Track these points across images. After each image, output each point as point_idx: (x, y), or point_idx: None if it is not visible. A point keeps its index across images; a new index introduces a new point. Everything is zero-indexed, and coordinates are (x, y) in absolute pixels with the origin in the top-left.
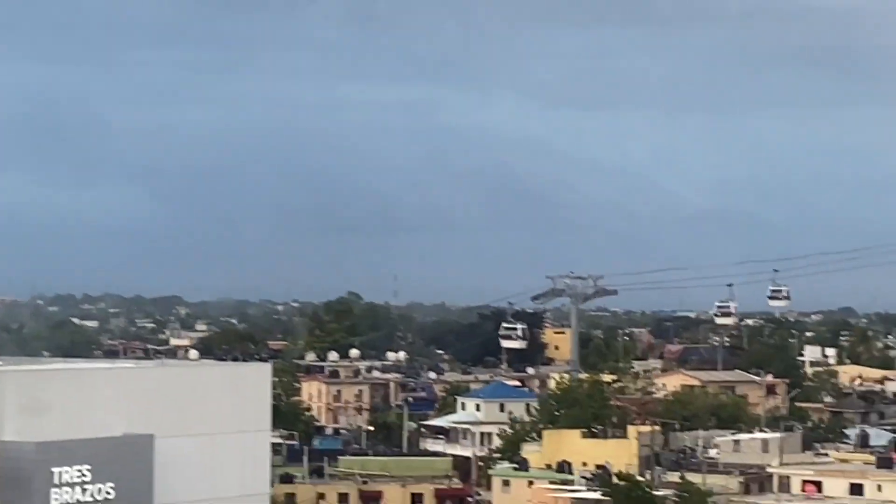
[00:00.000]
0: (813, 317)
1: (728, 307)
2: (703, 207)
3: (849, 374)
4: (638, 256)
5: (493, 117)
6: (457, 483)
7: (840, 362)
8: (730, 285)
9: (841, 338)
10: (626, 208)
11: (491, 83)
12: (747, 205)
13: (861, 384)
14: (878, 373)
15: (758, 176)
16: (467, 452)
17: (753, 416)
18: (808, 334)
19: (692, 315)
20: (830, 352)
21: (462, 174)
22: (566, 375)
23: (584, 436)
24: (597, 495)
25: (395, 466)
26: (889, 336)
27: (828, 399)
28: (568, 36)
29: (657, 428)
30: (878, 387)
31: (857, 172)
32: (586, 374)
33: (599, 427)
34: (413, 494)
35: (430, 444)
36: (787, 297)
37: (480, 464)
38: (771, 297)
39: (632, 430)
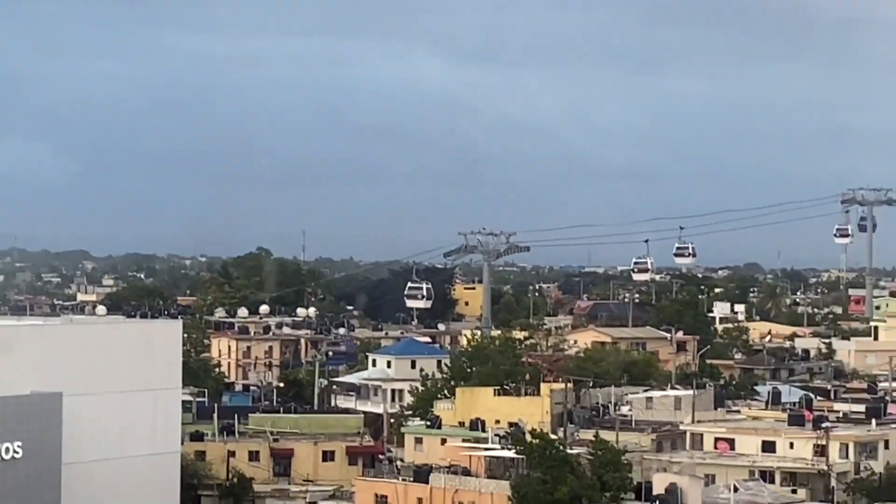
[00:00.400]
0: (720, 272)
1: (645, 263)
2: (614, 164)
3: (758, 330)
4: (548, 212)
5: (404, 72)
6: (368, 440)
7: (749, 319)
8: (646, 241)
9: (750, 294)
10: (536, 164)
11: (403, 38)
12: (657, 161)
13: (771, 341)
14: (787, 329)
15: (668, 132)
16: (378, 409)
17: (664, 372)
18: (717, 290)
19: (600, 271)
20: (739, 308)
21: (372, 129)
22: (478, 332)
23: (497, 393)
24: (510, 454)
25: (307, 424)
26: (797, 292)
27: (738, 356)
28: None
29: (570, 385)
30: (787, 343)
31: (767, 129)
32: (498, 331)
33: (512, 384)
34: (325, 452)
35: (342, 401)
36: (693, 255)
37: (392, 421)
38: (676, 255)
39: (544, 387)
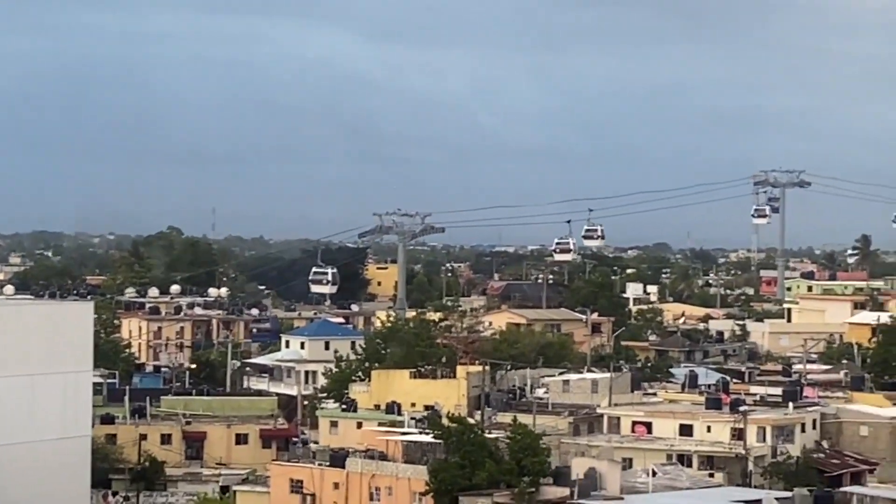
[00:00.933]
0: (629, 252)
1: (567, 244)
2: (524, 143)
3: (672, 312)
4: (458, 191)
5: (314, 50)
6: (282, 423)
7: (662, 300)
8: (568, 222)
9: (662, 275)
10: (446, 143)
11: (313, 16)
12: (567, 141)
13: (685, 322)
14: (701, 311)
15: (578, 112)
16: (292, 391)
17: (579, 354)
18: (629, 271)
19: (511, 250)
20: (652, 289)
21: (282, 107)
22: (392, 313)
23: (413, 376)
24: (428, 438)
25: (220, 406)
26: (709, 273)
27: (652, 338)
28: None
29: (486, 368)
30: (701, 325)
31: (677, 109)
32: (412, 312)
33: (428, 367)
34: (238, 435)
35: (254, 383)
36: (602, 237)
37: (305, 403)
38: (585, 237)
39: (461, 369)
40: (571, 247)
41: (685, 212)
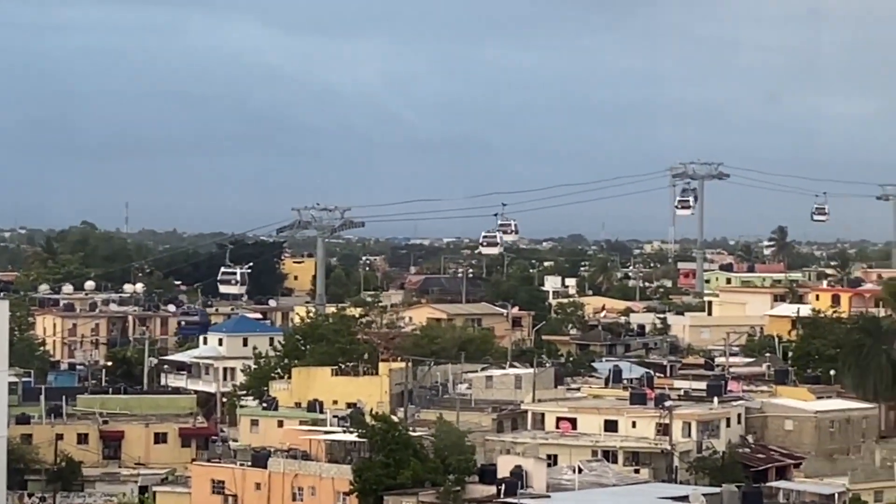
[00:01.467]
0: (544, 244)
1: (494, 237)
2: (438, 135)
3: (592, 305)
4: (374, 183)
5: (228, 42)
6: (202, 421)
7: (581, 293)
8: (496, 215)
9: (580, 268)
10: (361, 135)
11: (227, 8)
12: (483, 133)
13: (605, 316)
14: (621, 304)
15: (493, 104)
16: (210, 388)
17: (501, 349)
18: (547, 264)
19: (426, 243)
20: (570, 282)
21: (196, 99)
22: (311, 309)
23: (335, 373)
24: (352, 437)
25: (137, 404)
26: (627, 266)
27: (573, 331)
28: None
29: (409, 364)
30: (622, 319)
31: (586, 100)
32: (332, 308)
33: (350, 364)
34: (156, 434)
35: (172, 381)
36: (516, 231)
37: (224, 400)
38: (499, 231)
39: (383, 366)
40: (498, 240)
41: (599, 203)
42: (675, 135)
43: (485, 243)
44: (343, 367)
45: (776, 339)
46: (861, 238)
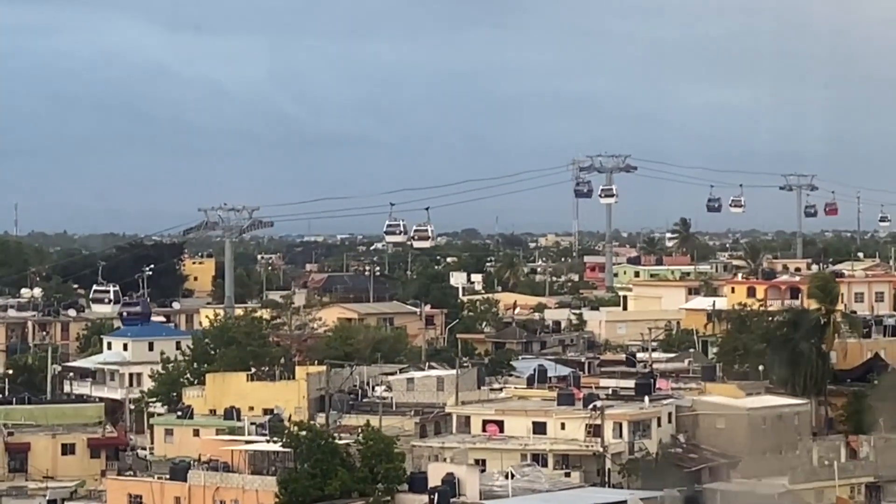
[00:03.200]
0: (439, 239)
1: (426, 230)
2: (330, 132)
3: (504, 301)
4: (265, 181)
5: (114, 41)
6: (111, 431)
7: (489, 289)
8: (427, 209)
9: (487, 263)
10: (252, 133)
11: (111, 7)
12: (373, 129)
13: (518, 312)
14: (533, 300)
15: (382, 100)
16: (116, 395)
17: (415, 348)
18: (450, 260)
19: (320, 239)
20: (476, 278)
21: (83, 99)
22: (219, 311)
23: (250, 378)
24: (275, 447)
25: (42, 414)
26: (533, 260)
27: (487, 329)
28: None
29: (329, 367)
30: (536, 315)
31: (477, 95)
32: (240, 310)
33: (262, 368)
34: (64, 445)
35: (76, 388)
36: (405, 232)
37: (132, 407)
38: (387, 232)
39: (300, 370)
40: (430, 234)
41: (492, 198)
42: (562, 128)
43: (416, 237)
44: (259, 371)
45: (695, 334)
46: (751, 228)
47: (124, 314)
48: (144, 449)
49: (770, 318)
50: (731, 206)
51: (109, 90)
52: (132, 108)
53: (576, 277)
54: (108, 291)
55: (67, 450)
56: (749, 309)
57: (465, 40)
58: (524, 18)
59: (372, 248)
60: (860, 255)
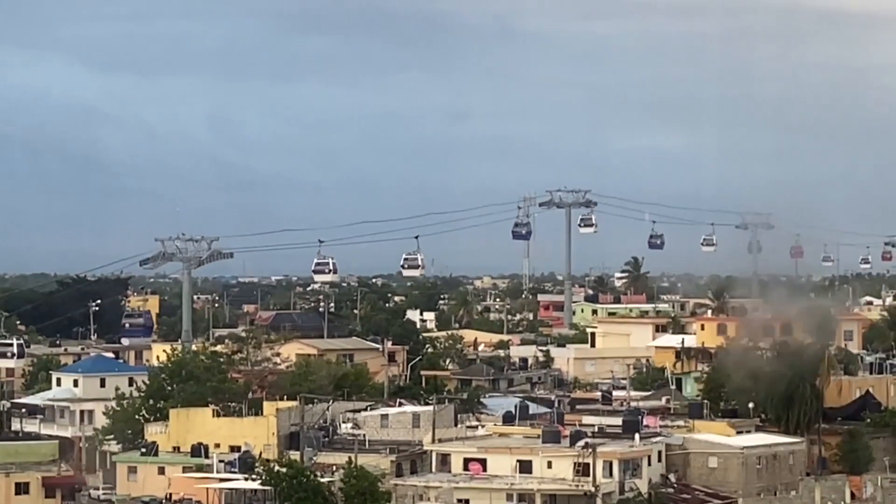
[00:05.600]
0: (374, 280)
1: (416, 259)
2: (261, 173)
3: (466, 338)
4: (200, 222)
5: (40, 81)
6: (66, 470)
7: (444, 327)
8: (416, 237)
9: (440, 301)
10: (182, 174)
11: (37, 46)
12: (302, 170)
13: (483, 349)
14: (494, 337)
15: (312, 142)
16: (66, 433)
17: (377, 385)
18: (398, 299)
19: (255, 280)
20: (428, 315)
21: (8, 138)
22: (178, 347)
23: (217, 414)
24: (255, 485)
25: None
26: (487, 300)
27: (451, 366)
28: (116, 0)
29: (303, 403)
30: (501, 352)
31: (405, 137)
32: (197, 345)
33: (232, 404)
34: (17, 484)
35: (25, 426)
36: (334, 270)
37: (84, 445)
38: (316, 271)
39: (268, 406)
40: (420, 262)
41: (427, 239)
42: (495, 170)
43: (405, 265)
44: (224, 407)
45: (669, 372)
46: (685, 272)
47: (127, 325)
48: (97, 489)
49: (759, 354)
50: (702, 244)
51: (36, 130)
52: (62, 149)
53: (530, 316)
54: (10, 345)
55: (21, 489)
56: (737, 345)
57: (397, 84)
58: (456, 63)
59: (308, 288)
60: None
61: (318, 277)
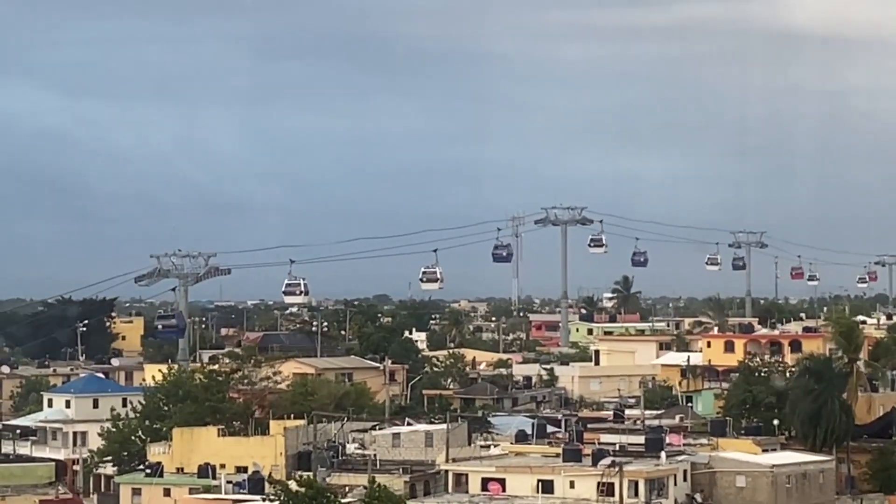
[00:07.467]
0: (354, 303)
1: (435, 272)
2: (233, 197)
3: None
4: (172, 245)
5: (8, 107)
6: (64, 492)
7: (435, 346)
8: (435, 251)
9: (431, 321)
10: (155, 199)
11: (4, 73)
12: (273, 194)
13: (483, 368)
14: (490, 356)
15: (281, 165)
16: (59, 455)
17: (378, 405)
18: (385, 320)
19: (233, 303)
20: (419, 335)
21: None
22: (174, 366)
23: (222, 433)
24: None
25: None
26: (476, 320)
27: (453, 385)
28: (86, 26)
29: (315, 422)
30: (501, 371)
31: (375, 162)
32: (195, 364)
33: (236, 423)
34: None
35: (18, 448)
36: (306, 292)
37: (78, 468)
38: (286, 292)
39: (275, 425)
40: (439, 276)
41: (399, 262)
42: (468, 194)
43: (424, 279)
44: (229, 426)
45: (678, 390)
46: (661, 295)
47: (160, 327)
48: None
49: (783, 370)
50: (707, 263)
51: (11, 156)
52: (35, 175)
53: (523, 336)
54: None
55: None
56: (759, 360)
57: (368, 108)
58: (427, 87)
59: (287, 311)
60: (802, 315)
61: (288, 299)
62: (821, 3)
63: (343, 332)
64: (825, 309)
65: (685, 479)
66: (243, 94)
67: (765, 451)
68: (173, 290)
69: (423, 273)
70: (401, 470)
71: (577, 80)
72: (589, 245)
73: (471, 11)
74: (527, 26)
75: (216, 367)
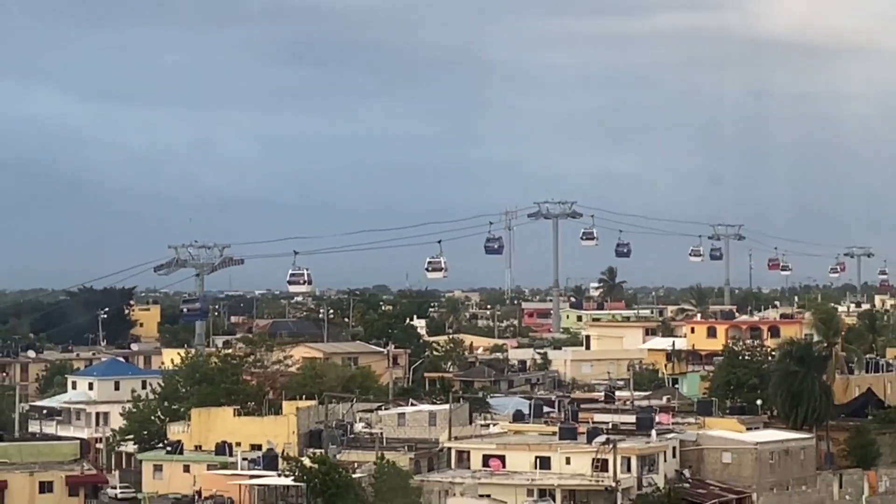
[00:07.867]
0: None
1: (439, 262)
2: (238, 195)
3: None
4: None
5: (26, 110)
6: (89, 468)
7: (437, 332)
8: (439, 241)
9: (429, 309)
10: (166, 198)
11: (22, 76)
12: (280, 192)
13: (482, 353)
14: (487, 341)
15: (286, 165)
16: (82, 434)
17: (382, 387)
18: (387, 308)
19: (241, 293)
20: (419, 322)
21: (5, 165)
22: (192, 350)
23: (238, 413)
24: (287, 481)
25: (17, 452)
26: (483, 309)
27: (452, 369)
28: (106, 34)
29: (326, 403)
30: (501, 356)
31: (376, 161)
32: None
33: (251, 403)
34: (42, 483)
35: (42, 427)
36: (309, 282)
37: (101, 446)
38: (290, 282)
39: (288, 405)
40: (443, 265)
41: (399, 254)
42: (461, 192)
43: (429, 268)
44: (243, 407)
45: (665, 373)
46: (641, 285)
47: (185, 310)
48: (115, 488)
49: (764, 353)
50: (690, 255)
51: (28, 156)
52: (58, 175)
53: (516, 322)
54: None
55: (45, 488)
56: (743, 344)
57: (370, 111)
58: (425, 91)
59: (293, 300)
60: (776, 303)
61: (292, 288)
62: (792, 13)
63: (346, 320)
64: (796, 298)
65: (675, 456)
66: (253, 98)
67: (749, 429)
68: (197, 275)
69: (429, 262)
70: (406, 447)
71: (565, 84)
72: (581, 238)
73: (467, 21)
74: (519, 34)
75: (230, 351)
